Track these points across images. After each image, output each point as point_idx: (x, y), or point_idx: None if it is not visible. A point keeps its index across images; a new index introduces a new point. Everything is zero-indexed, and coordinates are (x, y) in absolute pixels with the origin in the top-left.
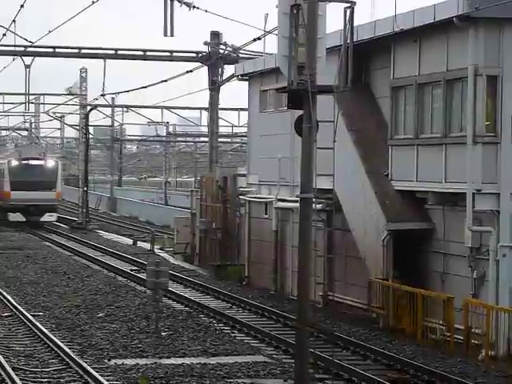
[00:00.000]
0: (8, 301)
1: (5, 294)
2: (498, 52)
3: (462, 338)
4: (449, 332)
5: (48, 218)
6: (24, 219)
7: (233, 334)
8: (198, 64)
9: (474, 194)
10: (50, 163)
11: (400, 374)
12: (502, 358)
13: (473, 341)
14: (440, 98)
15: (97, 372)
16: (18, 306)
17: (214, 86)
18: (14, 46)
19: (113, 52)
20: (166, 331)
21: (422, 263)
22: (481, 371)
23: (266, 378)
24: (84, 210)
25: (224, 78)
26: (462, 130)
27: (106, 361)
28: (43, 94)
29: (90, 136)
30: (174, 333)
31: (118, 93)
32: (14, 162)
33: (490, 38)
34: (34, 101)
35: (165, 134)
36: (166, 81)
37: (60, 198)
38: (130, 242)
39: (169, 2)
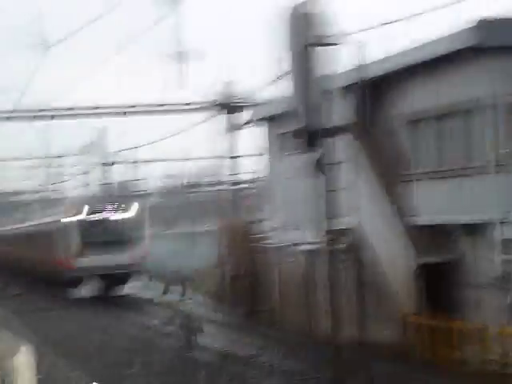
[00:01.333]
0: None
1: None
2: None
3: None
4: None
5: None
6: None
7: None
8: (214, 112)
9: (500, 222)
10: (133, 211)
11: None
12: None
13: None
14: (459, 128)
15: None
16: None
17: (231, 132)
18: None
19: (131, 109)
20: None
21: (453, 294)
22: None
23: None
24: None
25: (241, 123)
26: (483, 159)
27: None
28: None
29: None
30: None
31: (136, 147)
32: (81, 218)
33: (506, 66)
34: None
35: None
36: (183, 131)
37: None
38: None
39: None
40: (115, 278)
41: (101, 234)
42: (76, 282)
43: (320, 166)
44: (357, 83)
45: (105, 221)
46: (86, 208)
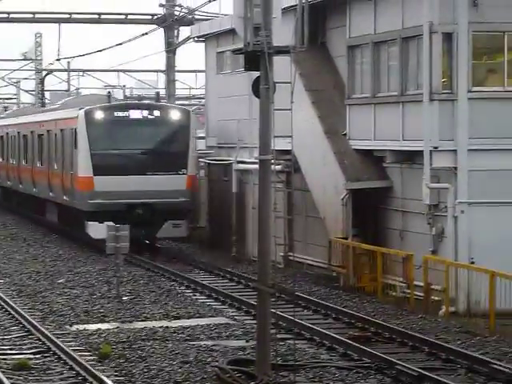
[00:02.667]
0: None
1: None
2: (452, 9)
3: (421, 294)
4: (409, 289)
5: (173, 231)
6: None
7: (194, 297)
8: (154, 26)
9: (431, 151)
10: (175, 115)
11: (361, 331)
12: (462, 313)
13: (433, 297)
14: (396, 56)
15: (58, 338)
16: None
17: (171, 48)
18: None
19: (67, 16)
20: (127, 296)
21: (380, 221)
22: (441, 327)
23: (229, 339)
24: None
25: (180, 40)
26: (419, 87)
27: (67, 326)
28: None
29: (47, 101)
30: (135, 297)
31: (74, 57)
32: (99, 114)
33: None
34: None
35: (122, 98)
36: (121, 44)
37: (193, 188)
38: None
39: None
40: (157, 211)
41: (135, 140)
42: (97, 214)
43: (257, 87)
44: (298, 5)
45: (141, 121)
46: (106, 103)
